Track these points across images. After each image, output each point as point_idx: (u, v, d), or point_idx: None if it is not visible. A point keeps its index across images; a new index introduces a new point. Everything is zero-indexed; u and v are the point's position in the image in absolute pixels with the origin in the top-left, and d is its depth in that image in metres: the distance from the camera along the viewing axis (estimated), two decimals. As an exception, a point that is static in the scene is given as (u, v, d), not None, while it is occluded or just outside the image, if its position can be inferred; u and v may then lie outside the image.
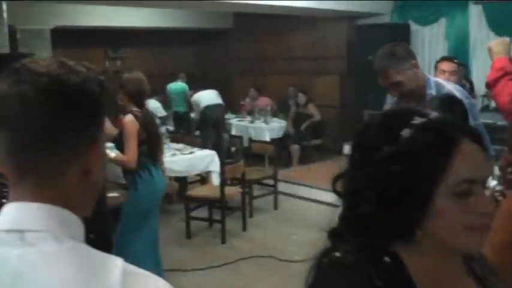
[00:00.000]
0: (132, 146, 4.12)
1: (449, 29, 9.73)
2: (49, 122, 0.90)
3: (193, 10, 11.67)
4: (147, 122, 4.28)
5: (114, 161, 4.16)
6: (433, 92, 2.86)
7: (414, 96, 2.84)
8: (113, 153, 4.14)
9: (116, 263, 0.90)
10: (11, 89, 0.90)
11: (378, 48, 9.52)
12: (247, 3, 8.06)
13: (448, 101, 2.56)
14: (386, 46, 2.97)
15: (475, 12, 9.42)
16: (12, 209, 0.92)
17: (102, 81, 0.99)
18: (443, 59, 4.42)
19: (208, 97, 9.97)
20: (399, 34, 9.76)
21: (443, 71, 4.22)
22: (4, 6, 6.21)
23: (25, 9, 9.33)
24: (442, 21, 9.85)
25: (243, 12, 11.11)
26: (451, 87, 2.96)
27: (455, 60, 4.38)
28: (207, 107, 9.73)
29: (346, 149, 9.91)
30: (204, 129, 9.89)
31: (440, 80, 3.00)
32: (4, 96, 0.90)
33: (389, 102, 3.04)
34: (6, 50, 6.01)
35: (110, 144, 4.26)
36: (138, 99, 4.28)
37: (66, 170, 0.94)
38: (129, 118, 4.17)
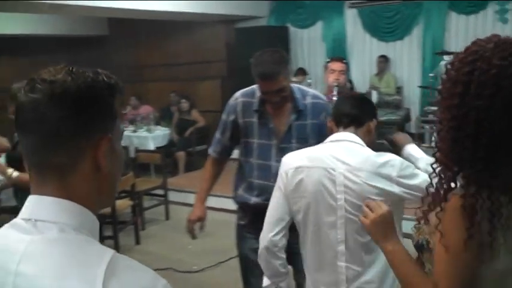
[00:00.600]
0: None
1: (327, 31, 10.01)
2: (57, 124, 1.01)
3: (65, 17, 11.17)
4: None
5: (20, 180, 3.69)
6: (298, 96, 2.96)
7: (286, 101, 2.94)
8: (16, 173, 3.72)
9: (107, 256, 0.98)
10: (26, 96, 1.04)
11: (257, 51, 9.62)
12: (121, 9, 7.78)
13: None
14: (271, 51, 2.94)
15: (351, 16, 9.79)
16: (31, 201, 1.06)
17: (111, 84, 1.11)
18: (333, 59, 4.52)
19: None
20: (278, 37, 9.94)
21: (333, 71, 4.30)
22: None
23: None
24: (319, 24, 10.12)
25: (118, 18, 10.80)
26: (314, 91, 3.10)
27: (344, 60, 4.50)
28: None
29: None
30: None
31: (300, 85, 3.09)
32: (23, 104, 1.04)
33: (231, 110, 3.04)
34: None
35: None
36: None
37: (77, 167, 1.05)
38: None
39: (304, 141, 2.88)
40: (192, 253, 5.63)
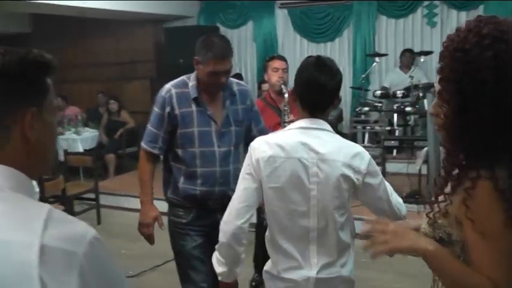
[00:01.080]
0: None
1: (257, 31, 10.00)
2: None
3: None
4: None
5: None
6: (228, 82, 3.09)
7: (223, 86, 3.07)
8: None
9: (44, 210, 1.07)
10: None
11: (187, 51, 9.47)
12: (45, 4, 7.48)
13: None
14: (216, 35, 3.26)
15: (281, 16, 9.83)
16: None
17: (42, 62, 1.20)
18: (274, 57, 4.44)
19: None
20: (208, 36, 9.83)
21: (277, 69, 4.23)
22: None
23: None
24: (250, 24, 10.09)
25: (42, 15, 10.38)
26: (232, 79, 3.19)
27: (285, 59, 4.45)
28: None
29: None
30: None
31: None
32: None
33: (166, 102, 3.04)
34: None
35: None
36: None
37: (9, 136, 1.14)
38: None
39: (241, 125, 3.12)
40: (126, 258, 5.45)
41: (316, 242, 2.25)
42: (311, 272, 2.26)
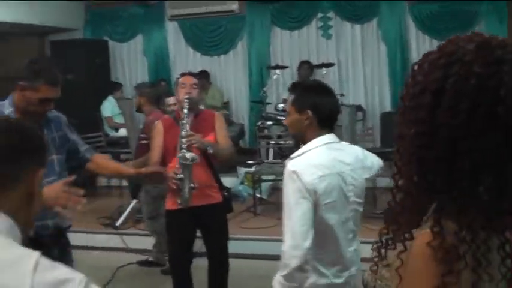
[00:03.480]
0: None
1: (147, 45, 9.64)
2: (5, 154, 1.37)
3: None
4: None
5: None
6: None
7: None
8: None
9: (32, 256, 1.22)
10: None
11: (75, 65, 8.87)
12: None
13: None
14: (44, 58, 3.17)
15: (172, 29, 9.52)
16: None
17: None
18: (183, 73, 4.31)
19: None
20: (96, 50, 9.32)
21: (184, 84, 4.07)
22: None
23: None
24: (139, 37, 9.70)
25: None
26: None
27: (197, 76, 4.30)
28: None
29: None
30: None
31: None
32: None
33: None
34: None
35: None
36: None
37: (16, 186, 1.37)
38: None
39: (61, 153, 3.03)
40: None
41: (355, 242, 2.58)
42: (352, 269, 2.55)
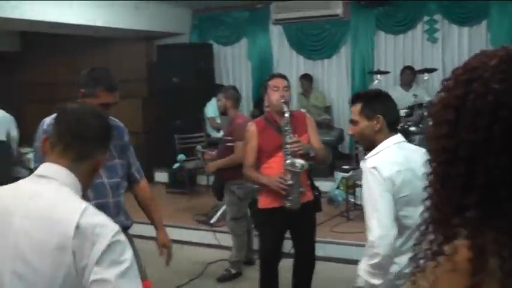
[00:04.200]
0: None
1: (251, 48, 9.74)
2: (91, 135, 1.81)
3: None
4: None
5: None
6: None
7: None
8: None
9: (83, 203, 1.64)
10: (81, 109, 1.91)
11: (180, 69, 9.14)
12: (34, 21, 7.18)
13: None
14: (100, 67, 3.22)
15: (276, 33, 9.55)
16: (46, 165, 1.74)
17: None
18: (273, 76, 4.25)
19: None
20: (202, 54, 9.58)
21: (277, 88, 4.04)
22: None
23: None
24: (244, 41, 9.83)
25: (32, 33, 10.10)
26: None
27: (287, 78, 4.25)
28: None
29: (158, 176, 9.44)
30: None
31: None
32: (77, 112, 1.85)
33: None
34: None
35: None
36: None
37: (86, 162, 1.79)
38: None
39: (124, 158, 3.23)
40: None
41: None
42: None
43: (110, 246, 1.53)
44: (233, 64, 10.02)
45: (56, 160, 1.72)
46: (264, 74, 9.26)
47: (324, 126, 8.37)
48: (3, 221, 1.61)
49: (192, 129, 8.75)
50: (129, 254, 1.60)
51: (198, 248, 6.18)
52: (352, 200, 6.58)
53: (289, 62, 9.53)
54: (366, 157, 2.76)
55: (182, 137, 8.59)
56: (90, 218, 1.56)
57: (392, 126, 2.79)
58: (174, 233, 6.37)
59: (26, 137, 9.91)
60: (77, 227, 1.52)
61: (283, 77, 4.24)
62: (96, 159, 1.80)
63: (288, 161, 3.85)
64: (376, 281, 2.59)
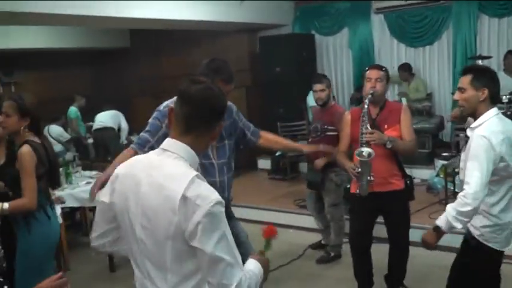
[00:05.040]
0: (31, 184, 3.48)
1: (353, 38, 9.83)
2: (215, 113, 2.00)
3: (87, 29, 11.20)
4: (48, 152, 3.68)
5: (12, 210, 3.47)
6: None
7: None
8: (6, 204, 3.46)
9: (192, 174, 1.86)
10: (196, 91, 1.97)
11: (283, 60, 9.37)
12: (143, 19, 7.69)
13: None
14: (218, 59, 3.45)
15: (377, 21, 9.58)
16: (169, 140, 1.98)
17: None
18: (370, 67, 4.35)
19: (98, 120, 9.97)
20: (303, 44, 9.81)
21: (370, 79, 4.15)
22: None
23: None
24: (345, 31, 9.94)
25: (140, 30, 10.74)
26: None
27: (383, 68, 4.32)
28: (95, 130, 9.95)
29: (261, 163, 9.84)
30: (98, 154, 9.92)
31: None
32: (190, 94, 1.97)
33: (165, 117, 3.25)
34: None
35: None
36: (35, 126, 3.67)
37: (204, 135, 1.99)
38: (25, 149, 3.51)
39: (231, 138, 3.54)
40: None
41: None
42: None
43: (206, 217, 1.76)
44: (334, 54, 10.16)
45: (177, 136, 1.95)
46: (364, 63, 9.32)
47: (425, 113, 8.37)
48: (133, 186, 1.93)
49: (294, 117, 9.04)
50: (223, 225, 1.82)
51: (299, 231, 6.43)
52: (452, 188, 6.59)
53: (390, 51, 9.53)
54: (472, 126, 3.10)
55: (285, 125, 8.90)
56: (194, 189, 1.80)
57: (493, 100, 3.09)
58: (276, 217, 6.76)
59: (135, 128, 10.68)
60: (183, 196, 1.78)
61: (379, 67, 4.31)
62: (212, 134, 2.00)
63: (357, 151, 4.01)
64: (458, 225, 3.01)
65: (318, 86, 5.48)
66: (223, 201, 1.86)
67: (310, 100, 8.85)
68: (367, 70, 4.28)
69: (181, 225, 1.80)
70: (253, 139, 3.75)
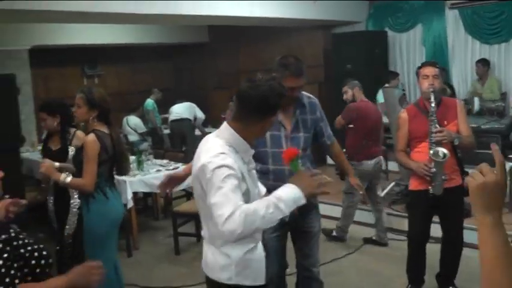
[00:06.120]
0: (91, 168, 3.86)
1: (426, 35, 9.76)
2: (250, 108, 2.42)
3: (166, 26, 11.66)
4: (113, 142, 4.04)
5: (71, 185, 3.94)
6: (299, 95, 3.60)
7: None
8: (68, 178, 3.89)
9: (219, 150, 2.39)
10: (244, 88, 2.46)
11: (355, 56, 9.51)
12: (222, 16, 7.97)
13: None
14: (290, 56, 3.53)
15: (452, 18, 9.45)
16: (224, 124, 2.50)
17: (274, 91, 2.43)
18: (424, 64, 4.37)
19: (174, 112, 10.35)
20: (376, 41, 9.84)
21: (427, 76, 4.16)
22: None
23: (1, 30, 9.27)
24: (419, 27, 9.88)
25: (218, 26, 11.06)
26: (303, 92, 3.68)
27: (437, 65, 4.35)
28: (172, 121, 10.33)
29: (330, 158, 9.88)
30: (174, 144, 10.23)
31: None
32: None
33: None
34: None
35: (56, 164, 4.04)
36: (104, 116, 4.04)
37: (254, 125, 2.44)
38: (90, 137, 3.91)
39: (308, 132, 3.64)
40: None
41: None
42: None
43: (212, 174, 2.32)
44: (407, 51, 10.12)
45: (230, 122, 2.49)
46: (438, 59, 9.15)
47: (496, 113, 8.21)
48: (196, 158, 2.52)
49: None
50: (229, 182, 2.29)
51: (356, 225, 6.48)
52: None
53: (464, 47, 9.38)
54: None
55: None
56: (213, 160, 2.34)
57: None
58: (334, 211, 6.85)
59: (211, 120, 11.05)
60: (202, 164, 2.38)
61: (434, 64, 4.32)
62: (260, 125, 2.46)
63: (432, 151, 4.01)
64: None
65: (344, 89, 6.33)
66: (232, 166, 2.34)
67: (380, 96, 8.90)
68: (422, 67, 4.30)
69: (202, 187, 2.41)
70: (327, 142, 3.84)
